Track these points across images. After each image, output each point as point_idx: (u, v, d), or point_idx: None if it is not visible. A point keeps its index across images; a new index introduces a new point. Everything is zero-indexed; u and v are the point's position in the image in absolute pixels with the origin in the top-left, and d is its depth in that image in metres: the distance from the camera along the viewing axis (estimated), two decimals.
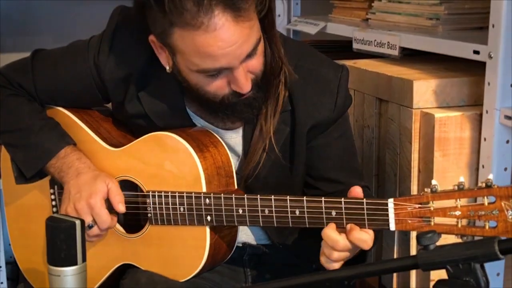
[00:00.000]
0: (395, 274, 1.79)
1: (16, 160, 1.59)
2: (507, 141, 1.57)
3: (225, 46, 1.31)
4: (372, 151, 1.87)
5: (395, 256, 1.79)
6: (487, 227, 1.22)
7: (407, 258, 0.96)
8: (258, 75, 1.42)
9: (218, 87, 1.40)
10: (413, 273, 1.72)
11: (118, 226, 1.55)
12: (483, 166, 1.60)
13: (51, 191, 1.64)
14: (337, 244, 1.32)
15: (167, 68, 1.45)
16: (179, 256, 1.50)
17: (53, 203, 1.65)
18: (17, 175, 1.59)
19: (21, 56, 1.67)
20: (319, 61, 1.58)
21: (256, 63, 1.41)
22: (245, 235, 1.62)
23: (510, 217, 1.19)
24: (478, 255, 0.89)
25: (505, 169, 1.58)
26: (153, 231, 1.52)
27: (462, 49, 1.64)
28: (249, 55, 1.37)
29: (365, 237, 1.32)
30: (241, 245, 1.62)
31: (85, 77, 1.56)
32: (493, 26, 1.53)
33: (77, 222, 1.28)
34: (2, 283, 2.60)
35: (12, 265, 2.80)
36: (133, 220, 1.58)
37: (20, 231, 1.73)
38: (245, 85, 1.38)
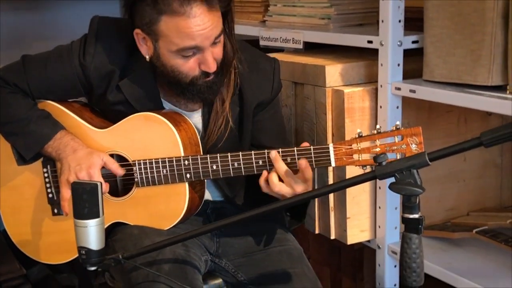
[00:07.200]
0: (316, 218, 2.27)
1: (17, 146, 1.90)
2: (397, 107, 2.09)
3: (200, 29, 1.71)
4: (291, 125, 2.34)
5: (316, 204, 2.27)
6: (398, 157, 1.67)
7: (366, 174, 1.42)
8: (219, 62, 1.82)
9: (190, 67, 1.78)
10: (332, 215, 2.21)
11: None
12: (380, 127, 2.09)
13: (44, 170, 1.95)
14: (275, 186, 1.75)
15: (147, 57, 1.81)
16: (163, 209, 1.87)
17: (46, 180, 1.95)
18: (17, 158, 1.91)
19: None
20: (257, 54, 2.02)
21: (219, 50, 1.81)
22: (206, 193, 2.01)
23: (414, 148, 1.66)
24: (416, 163, 1.36)
25: None
26: (139, 193, 1.87)
27: (358, 40, 2.14)
28: (215, 42, 1.77)
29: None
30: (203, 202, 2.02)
31: (70, 76, 1.90)
32: (382, 21, 2.03)
33: (98, 184, 1.60)
34: None
35: None
36: (114, 187, 1.93)
37: (12, 209, 2.01)
38: (212, 65, 1.77)
